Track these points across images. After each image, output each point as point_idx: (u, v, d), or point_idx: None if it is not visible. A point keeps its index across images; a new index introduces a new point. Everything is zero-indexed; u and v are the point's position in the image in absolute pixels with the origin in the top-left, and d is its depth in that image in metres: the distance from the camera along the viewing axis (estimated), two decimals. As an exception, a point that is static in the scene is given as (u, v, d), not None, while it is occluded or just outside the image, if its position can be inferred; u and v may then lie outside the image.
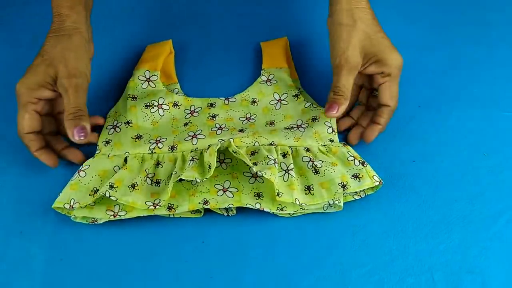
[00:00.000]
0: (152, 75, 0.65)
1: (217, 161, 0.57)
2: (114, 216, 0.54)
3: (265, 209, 0.55)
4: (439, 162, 0.59)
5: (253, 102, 0.64)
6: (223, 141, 0.56)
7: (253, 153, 0.57)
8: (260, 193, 0.56)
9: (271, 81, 0.65)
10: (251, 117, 0.62)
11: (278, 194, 0.53)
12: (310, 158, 0.56)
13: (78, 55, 0.56)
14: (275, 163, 0.55)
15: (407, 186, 0.58)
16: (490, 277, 0.53)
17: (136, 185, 0.55)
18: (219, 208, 0.56)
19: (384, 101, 0.57)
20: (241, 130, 0.59)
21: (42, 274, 0.53)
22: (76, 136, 0.53)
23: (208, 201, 0.55)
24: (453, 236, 0.55)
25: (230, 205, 0.54)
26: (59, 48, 0.55)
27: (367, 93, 0.62)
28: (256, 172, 0.53)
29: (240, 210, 0.56)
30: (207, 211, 0.56)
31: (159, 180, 0.56)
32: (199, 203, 0.55)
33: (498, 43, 0.68)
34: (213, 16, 0.72)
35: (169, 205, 0.55)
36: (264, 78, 0.65)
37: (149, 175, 0.56)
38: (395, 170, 0.59)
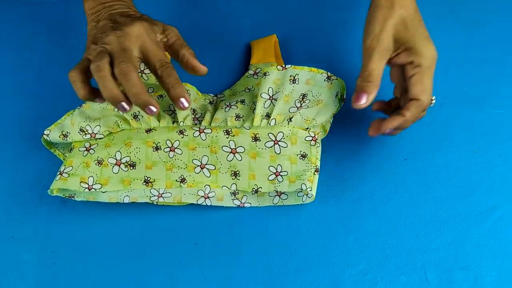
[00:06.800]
0: (146, 68, 0.65)
1: (196, 130, 0.57)
2: (89, 189, 0.54)
3: (239, 190, 0.56)
4: (431, 160, 0.59)
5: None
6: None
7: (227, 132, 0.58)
8: (237, 172, 0.56)
9: (257, 74, 0.64)
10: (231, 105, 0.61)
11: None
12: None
13: None
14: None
15: (399, 184, 0.58)
16: (482, 274, 0.53)
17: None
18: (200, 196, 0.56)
19: (413, 94, 0.52)
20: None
21: (34, 279, 0.53)
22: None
23: (185, 179, 0.55)
24: (445, 233, 0.55)
25: (207, 187, 0.55)
26: None
27: (401, 89, 0.56)
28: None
29: (233, 210, 0.56)
30: (196, 208, 0.56)
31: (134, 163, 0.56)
32: (176, 180, 0.55)
33: (488, 41, 0.68)
34: (203, 14, 0.72)
35: (146, 178, 0.55)
36: (251, 72, 0.65)
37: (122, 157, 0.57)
38: (386, 169, 0.59)
